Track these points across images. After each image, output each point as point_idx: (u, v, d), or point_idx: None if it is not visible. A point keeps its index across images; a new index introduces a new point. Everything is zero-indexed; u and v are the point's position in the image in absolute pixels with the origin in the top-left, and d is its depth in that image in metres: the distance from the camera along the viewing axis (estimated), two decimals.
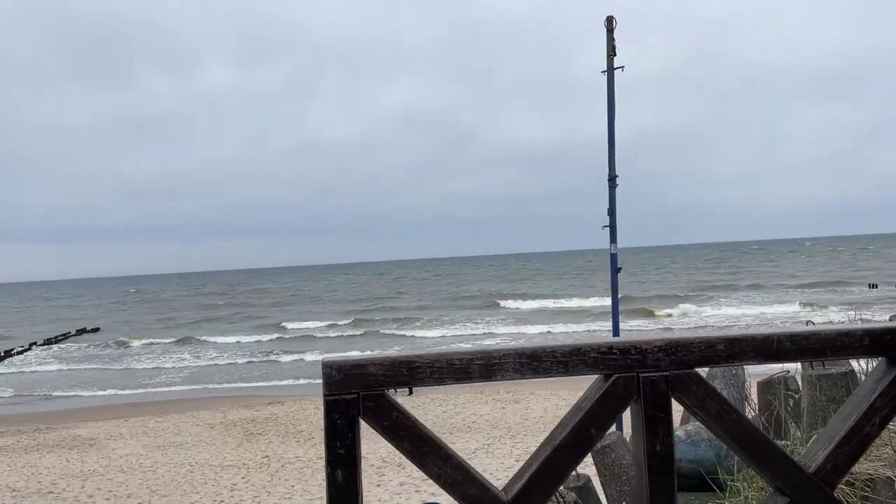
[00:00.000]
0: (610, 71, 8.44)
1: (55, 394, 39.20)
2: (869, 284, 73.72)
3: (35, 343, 63.73)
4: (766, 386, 5.90)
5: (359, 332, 55.10)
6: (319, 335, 55.38)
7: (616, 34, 8.73)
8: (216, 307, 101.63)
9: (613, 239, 8.44)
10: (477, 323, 56.58)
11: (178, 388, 38.69)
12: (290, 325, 64.13)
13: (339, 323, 62.48)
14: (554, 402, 25.67)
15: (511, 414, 24.13)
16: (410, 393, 30.52)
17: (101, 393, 38.60)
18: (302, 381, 38.03)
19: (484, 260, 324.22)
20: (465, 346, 2.57)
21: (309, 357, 45.66)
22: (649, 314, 57.85)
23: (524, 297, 76.50)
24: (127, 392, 38.39)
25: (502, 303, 71.79)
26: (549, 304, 68.58)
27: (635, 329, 50.21)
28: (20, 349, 59.88)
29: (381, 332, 53.48)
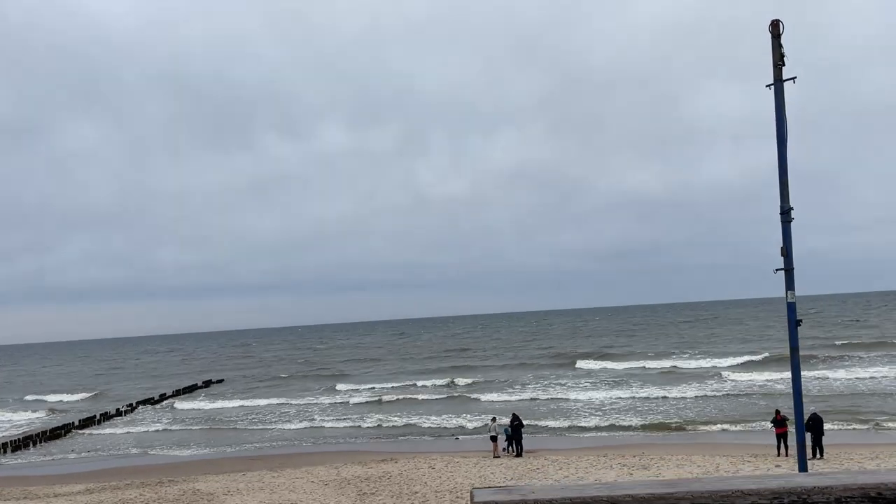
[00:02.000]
0: (778, 83, 7.14)
1: (177, 447, 40.24)
2: None
3: (165, 394, 66.70)
4: None
5: (445, 396, 53.34)
6: (420, 396, 53.93)
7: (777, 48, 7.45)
8: (295, 364, 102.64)
9: (790, 285, 7.06)
10: (552, 385, 53.44)
11: (292, 441, 38.80)
12: (372, 385, 63.24)
13: (436, 384, 60.89)
14: (688, 468, 23.40)
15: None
16: (519, 454, 28.96)
17: (219, 448, 39.28)
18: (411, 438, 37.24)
19: (590, 312, 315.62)
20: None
21: (405, 419, 44.99)
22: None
23: (609, 356, 72.16)
24: (245, 445, 38.86)
25: (580, 363, 67.78)
26: (632, 364, 64.33)
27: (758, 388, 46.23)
28: (158, 397, 62.79)
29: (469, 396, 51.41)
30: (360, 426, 42.39)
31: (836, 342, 68.03)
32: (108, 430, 47.75)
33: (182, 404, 59.31)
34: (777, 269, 7.13)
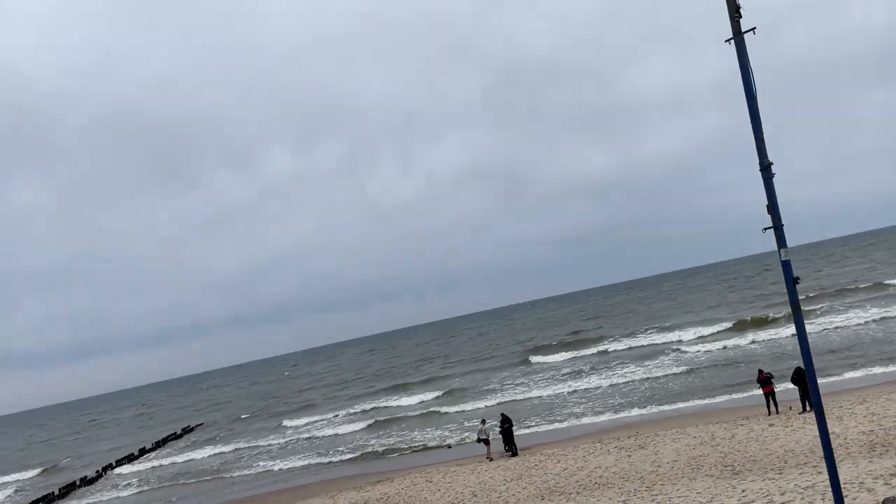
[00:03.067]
0: (738, 35, 6.89)
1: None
2: None
3: (144, 448, 64.70)
4: None
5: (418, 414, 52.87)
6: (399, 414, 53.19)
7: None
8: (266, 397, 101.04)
9: (782, 243, 6.77)
10: (522, 384, 53.23)
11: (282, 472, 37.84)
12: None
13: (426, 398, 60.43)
14: (684, 441, 23.31)
15: (640, 462, 21.93)
16: (514, 454, 28.58)
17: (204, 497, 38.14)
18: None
19: (552, 301, 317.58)
20: None
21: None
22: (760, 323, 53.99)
23: (578, 344, 72.41)
24: (230, 490, 37.78)
25: (533, 359, 67.38)
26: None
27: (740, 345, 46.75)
28: (137, 453, 60.82)
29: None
30: (339, 458, 41.55)
31: (806, 295, 69.29)
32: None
33: (157, 460, 57.58)
34: (766, 228, 6.88)
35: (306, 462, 40.06)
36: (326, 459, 39.81)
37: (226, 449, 52.96)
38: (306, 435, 51.15)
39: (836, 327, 46.02)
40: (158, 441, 68.58)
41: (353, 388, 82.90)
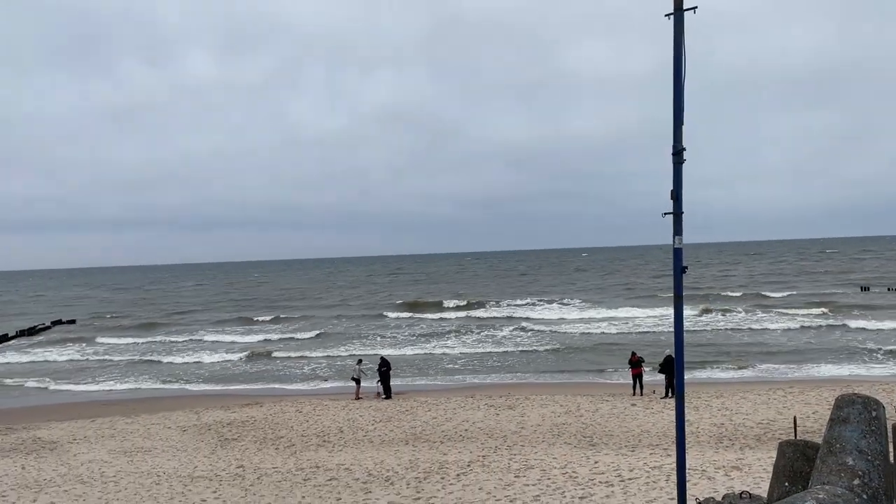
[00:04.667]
0: (678, 12, 6.73)
1: (19, 391, 37.13)
2: (861, 287, 72.91)
3: (7, 335, 61.35)
4: None
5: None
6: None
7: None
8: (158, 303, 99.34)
9: (678, 230, 6.78)
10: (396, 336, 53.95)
11: (151, 385, 36.77)
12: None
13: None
14: (551, 408, 24.07)
15: (506, 421, 22.50)
16: (388, 397, 28.76)
17: (72, 388, 36.63)
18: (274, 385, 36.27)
19: (457, 258, 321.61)
20: None
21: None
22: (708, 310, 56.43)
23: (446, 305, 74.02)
24: (97, 388, 36.43)
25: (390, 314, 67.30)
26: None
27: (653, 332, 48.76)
28: None
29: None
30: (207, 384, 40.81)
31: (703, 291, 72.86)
32: None
33: (31, 347, 54.81)
34: (665, 213, 6.86)
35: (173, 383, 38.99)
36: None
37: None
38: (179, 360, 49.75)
39: (713, 328, 48.57)
40: (23, 330, 65.16)
41: (219, 313, 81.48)
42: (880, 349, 36.46)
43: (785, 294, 67.98)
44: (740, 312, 55.33)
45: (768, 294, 68.38)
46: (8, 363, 47.07)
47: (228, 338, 54.17)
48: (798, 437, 10.04)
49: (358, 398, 28.71)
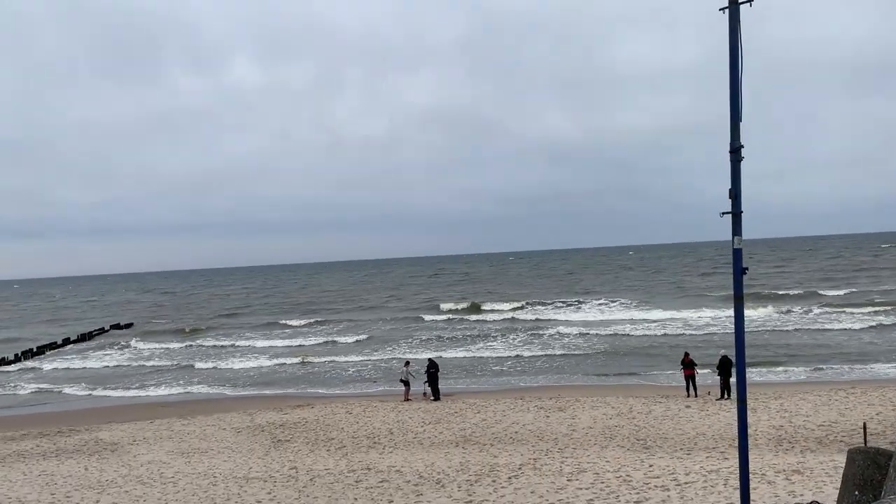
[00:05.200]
0: (734, 5, 6.56)
1: (83, 392, 38.34)
2: None
3: (69, 339, 63.45)
4: None
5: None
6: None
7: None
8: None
9: (738, 230, 6.59)
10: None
11: (203, 389, 37.59)
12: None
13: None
14: (603, 410, 23.77)
15: (556, 423, 22.30)
16: (437, 399, 28.74)
17: (129, 394, 37.64)
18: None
19: (500, 258, 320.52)
20: None
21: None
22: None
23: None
24: (155, 392, 37.39)
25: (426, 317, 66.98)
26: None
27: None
28: (58, 343, 59.61)
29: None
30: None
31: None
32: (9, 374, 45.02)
33: (88, 352, 56.63)
34: (724, 213, 6.67)
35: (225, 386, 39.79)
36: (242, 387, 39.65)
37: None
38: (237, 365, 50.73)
39: (772, 327, 47.34)
40: (84, 334, 67.25)
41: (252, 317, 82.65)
42: None
43: (843, 292, 65.84)
44: (797, 311, 53.80)
45: (825, 292, 66.33)
46: (67, 368, 48.66)
47: (275, 342, 55.01)
48: (867, 443, 9.70)
49: (407, 400, 28.82)
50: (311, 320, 69.30)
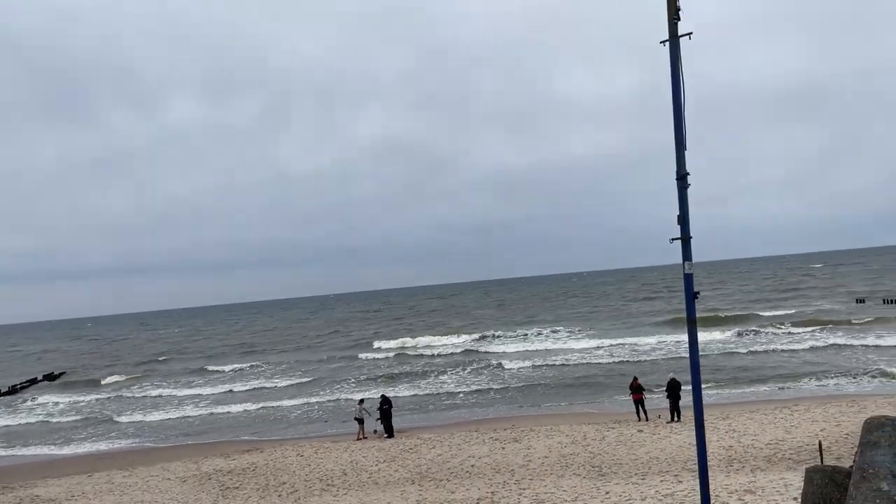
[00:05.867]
0: (674, 38, 6.75)
1: (19, 449, 36.41)
2: (856, 299, 73.16)
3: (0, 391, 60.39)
4: None
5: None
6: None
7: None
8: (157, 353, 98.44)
9: (687, 255, 6.73)
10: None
11: (147, 439, 36.14)
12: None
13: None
14: (557, 439, 23.79)
15: (512, 454, 22.20)
16: (391, 436, 28.28)
17: (64, 450, 35.90)
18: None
19: (449, 288, 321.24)
20: None
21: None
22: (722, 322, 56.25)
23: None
24: (93, 444, 35.76)
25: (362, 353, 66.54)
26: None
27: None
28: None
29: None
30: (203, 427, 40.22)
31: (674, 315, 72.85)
32: None
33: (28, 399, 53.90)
34: (673, 239, 6.80)
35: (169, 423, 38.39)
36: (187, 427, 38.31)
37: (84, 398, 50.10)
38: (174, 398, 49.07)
39: (716, 350, 48.47)
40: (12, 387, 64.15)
41: (224, 357, 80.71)
42: (883, 360, 36.45)
43: (780, 312, 68.08)
44: (736, 333, 55.29)
45: (761, 313, 68.46)
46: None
47: (217, 388, 53.44)
48: (823, 461, 9.92)
49: (360, 439, 28.30)
50: (247, 364, 66.84)
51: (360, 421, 29.04)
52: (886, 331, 47.82)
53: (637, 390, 27.03)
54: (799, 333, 51.54)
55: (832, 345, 45.02)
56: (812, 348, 44.35)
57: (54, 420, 44.69)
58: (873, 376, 33.30)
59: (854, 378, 33.28)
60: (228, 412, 41.07)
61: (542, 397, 36.34)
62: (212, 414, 41.17)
